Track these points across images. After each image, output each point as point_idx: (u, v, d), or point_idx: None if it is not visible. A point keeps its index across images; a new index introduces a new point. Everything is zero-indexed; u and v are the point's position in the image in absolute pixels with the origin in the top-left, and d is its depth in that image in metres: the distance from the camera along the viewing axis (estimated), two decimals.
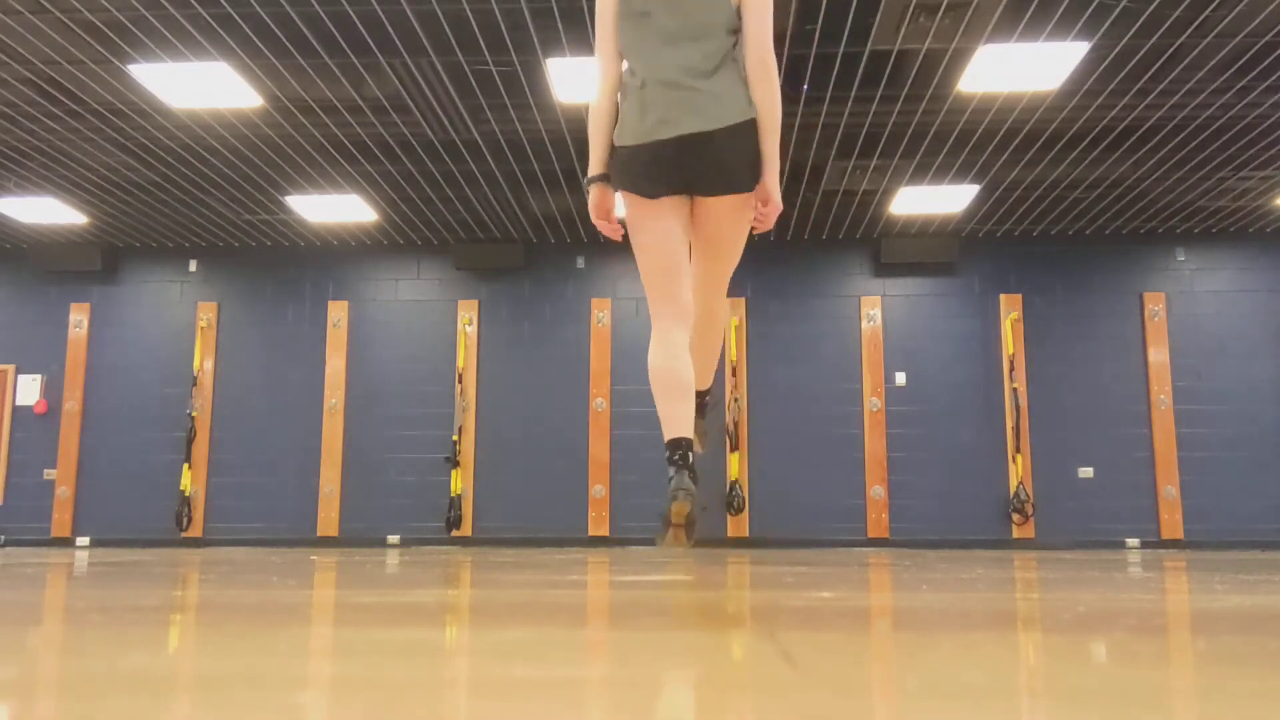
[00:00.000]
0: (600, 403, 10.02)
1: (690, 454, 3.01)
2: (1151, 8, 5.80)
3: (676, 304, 3.14)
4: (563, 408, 10.07)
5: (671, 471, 2.99)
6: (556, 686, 0.81)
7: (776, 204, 3.05)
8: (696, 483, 3.02)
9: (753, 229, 3.16)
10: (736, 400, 9.94)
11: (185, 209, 9.40)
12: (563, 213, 9.49)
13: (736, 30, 3.08)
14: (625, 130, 3.05)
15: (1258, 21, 5.95)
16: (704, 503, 3.20)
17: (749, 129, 3.00)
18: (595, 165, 3.13)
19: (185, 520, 9.98)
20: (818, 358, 10.07)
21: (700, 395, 3.37)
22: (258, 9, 5.84)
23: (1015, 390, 9.85)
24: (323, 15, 5.92)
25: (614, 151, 3.09)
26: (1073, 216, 9.61)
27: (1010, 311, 10.02)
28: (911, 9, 5.84)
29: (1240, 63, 6.46)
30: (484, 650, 1.04)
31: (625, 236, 3.23)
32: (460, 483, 9.95)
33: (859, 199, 9.09)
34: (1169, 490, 9.64)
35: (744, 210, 3.12)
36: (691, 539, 3.11)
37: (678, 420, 3.05)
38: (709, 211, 3.11)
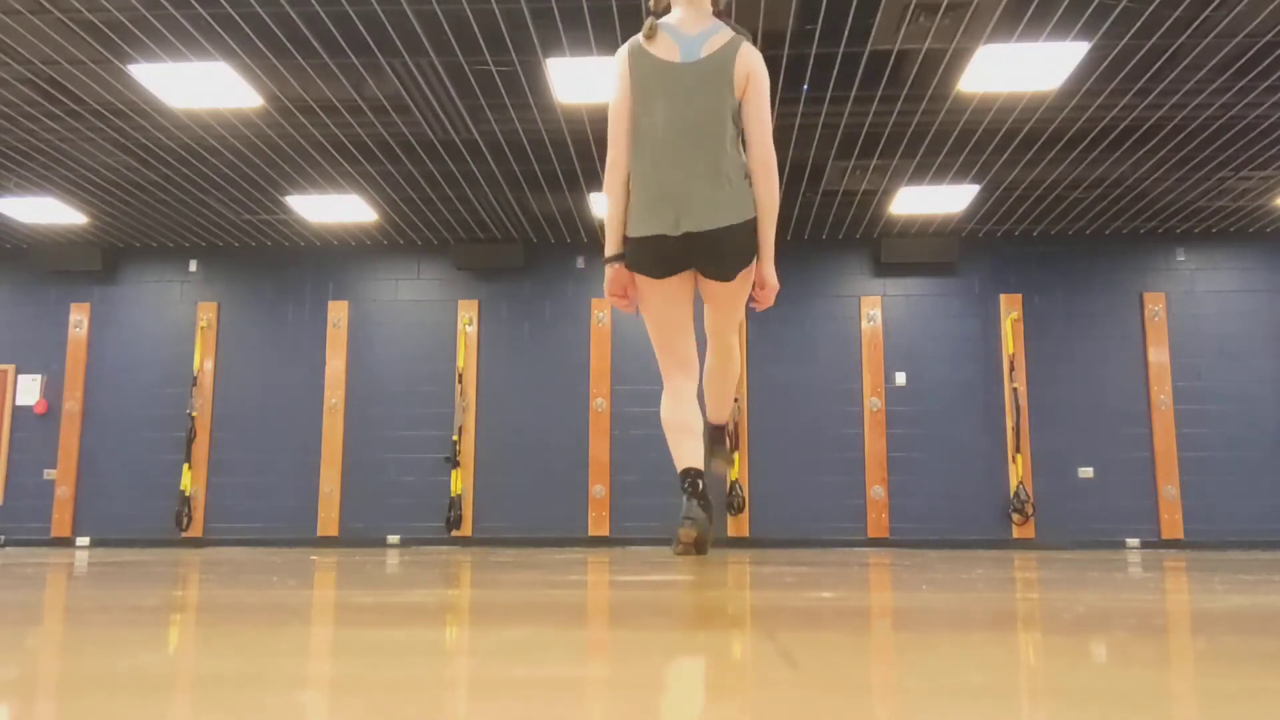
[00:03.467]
0: (600, 403, 10.02)
1: (700, 481, 3.37)
2: (1151, 8, 5.80)
3: (682, 363, 3.52)
4: (563, 408, 10.07)
5: (683, 499, 3.37)
6: (556, 686, 0.81)
7: (773, 286, 3.38)
8: (709, 509, 3.39)
9: (754, 306, 3.47)
10: (736, 400, 9.94)
11: (185, 209, 9.41)
12: (563, 213, 9.49)
13: (738, 123, 3.33)
14: (634, 223, 3.32)
15: (1258, 21, 5.95)
16: (713, 529, 3.54)
17: (744, 229, 3.27)
18: (611, 247, 3.40)
19: (185, 520, 9.98)
20: (818, 358, 10.07)
21: (718, 428, 3.68)
22: (258, 9, 5.84)
23: (1015, 390, 9.86)
24: (323, 15, 5.92)
25: (626, 239, 3.35)
26: (1073, 216, 9.61)
27: (1010, 311, 10.02)
28: (911, 9, 5.84)
29: (1240, 63, 6.46)
30: (484, 650, 1.04)
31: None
32: (460, 483, 9.95)
33: (859, 199, 9.09)
34: (1169, 490, 9.64)
35: (740, 284, 3.43)
36: (704, 553, 3.50)
37: (688, 453, 3.43)
38: (709, 285, 3.45)
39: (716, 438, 3.73)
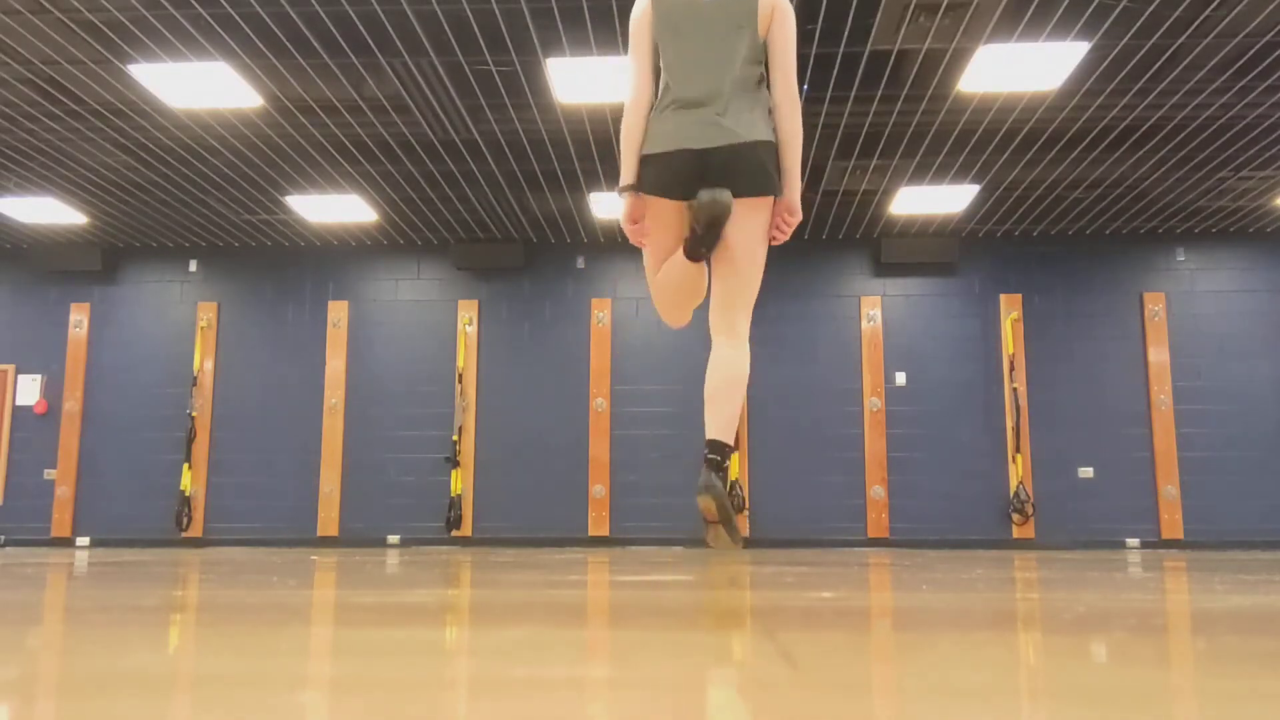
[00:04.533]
0: (600, 403, 10.02)
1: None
2: (1151, 8, 5.80)
3: (689, 297, 3.37)
4: (563, 408, 10.07)
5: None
6: (556, 686, 0.81)
7: (798, 215, 3.26)
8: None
9: (773, 239, 3.32)
10: None
11: (185, 209, 9.41)
12: (563, 213, 9.49)
13: (761, 61, 3.23)
14: (652, 140, 3.23)
15: (1258, 21, 5.95)
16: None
17: (765, 148, 3.20)
18: (627, 175, 3.29)
19: (185, 520, 9.98)
20: (818, 358, 10.07)
21: (716, 448, 3.16)
22: (258, 9, 5.84)
23: (1015, 390, 9.85)
24: (323, 15, 5.92)
25: (642, 159, 3.24)
26: (1073, 216, 9.61)
27: (1010, 311, 10.02)
28: (911, 9, 5.84)
29: (1240, 63, 6.46)
30: (484, 650, 1.04)
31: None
32: (460, 483, 9.95)
33: (859, 199, 9.09)
34: (1169, 490, 9.64)
35: (758, 218, 3.27)
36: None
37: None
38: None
39: (715, 460, 3.14)
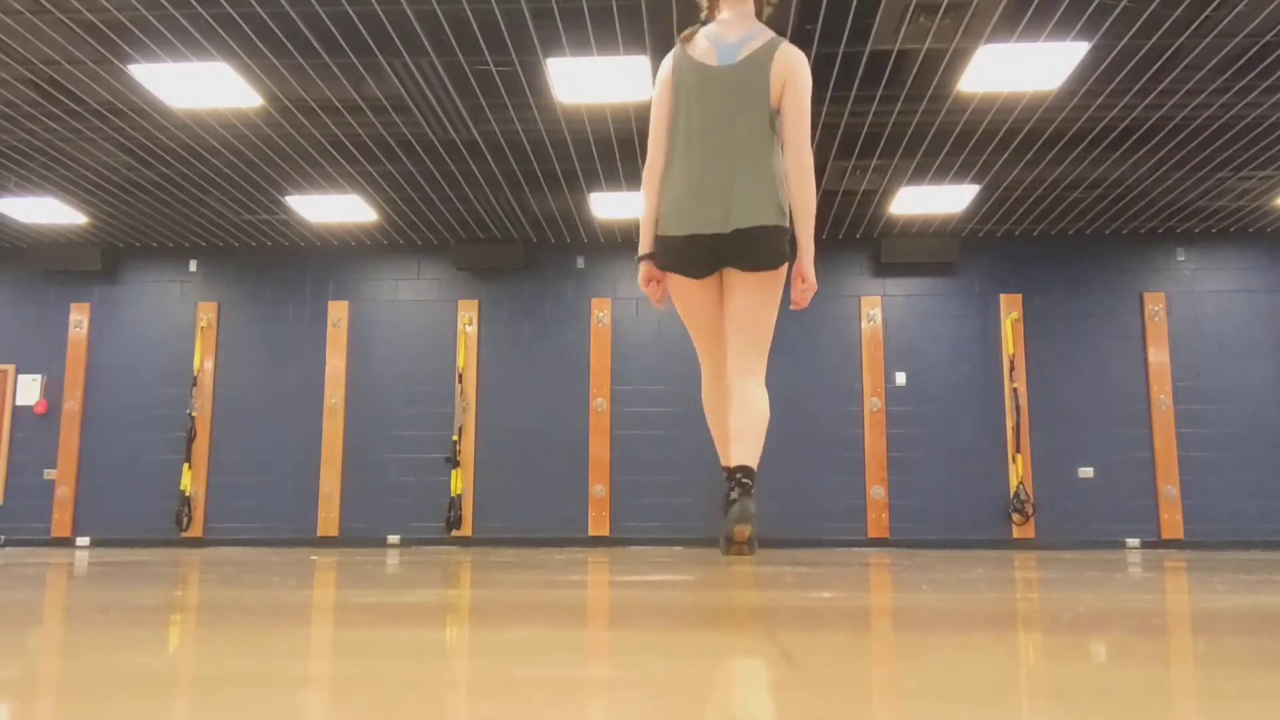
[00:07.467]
0: (600, 403, 10.02)
1: (751, 480, 3.30)
2: (1151, 8, 5.80)
3: (720, 360, 3.58)
4: (563, 408, 10.08)
5: (735, 494, 3.27)
6: (556, 686, 0.81)
7: (812, 283, 3.39)
8: (753, 506, 3.33)
9: (791, 305, 3.49)
10: None
11: (185, 209, 9.41)
12: (563, 213, 9.49)
13: (775, 128, 3.37)
14: (666, 222, 3.37)
15: (1258, 21, 5.95)
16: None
17: (774, 230, 3.30)
18: (644, 246, 3.48)
19: (185, 520, 9.98)
20: (818, 358, 10.07)
21: (748, 472, 3.29)
22: (258, 9, 5.84)
23: (1015, 390, 9.86)
24: (323, 15, 5.92)
25: (658, 239, 3.41)
26: (1073, 216, 9.61)
27: (1010, 311, 10.02)
28: (911, 9, 5.84)
29: (1240, 63, 6.46)
30: (484, 650, 1.04)
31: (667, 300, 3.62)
32: (460, 483, 9.95)
33: (859, 199, 9.09)
34: (1169, 490, 9.64)
35: (767, 288, 3.41)
36: (754, 550, 3.47)
37: (734, 449, 3.38)
38: (735, 284, 3.43)
39: (738, 488, 3.24)
